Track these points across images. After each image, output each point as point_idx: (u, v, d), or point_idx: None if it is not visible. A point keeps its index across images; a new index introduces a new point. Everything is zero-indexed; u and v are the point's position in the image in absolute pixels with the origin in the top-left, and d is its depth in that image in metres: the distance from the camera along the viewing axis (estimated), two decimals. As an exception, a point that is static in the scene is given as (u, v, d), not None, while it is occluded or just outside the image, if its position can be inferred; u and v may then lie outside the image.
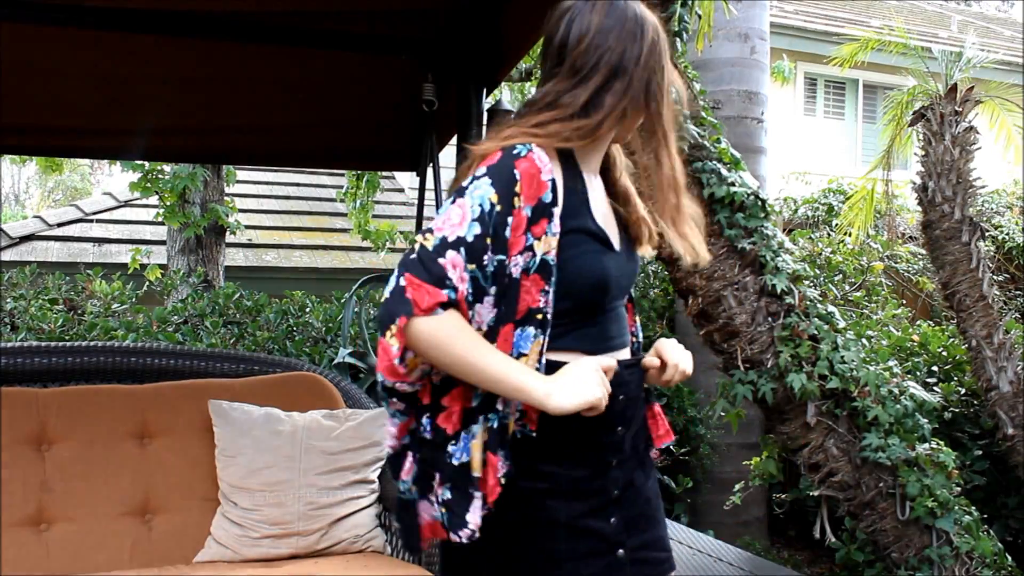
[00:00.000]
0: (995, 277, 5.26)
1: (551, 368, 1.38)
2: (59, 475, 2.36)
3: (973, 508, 3.35)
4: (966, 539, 3.19)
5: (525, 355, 1.35)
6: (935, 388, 4.35)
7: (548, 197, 1.35)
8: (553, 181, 1.37)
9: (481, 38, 2.79)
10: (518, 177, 1.33)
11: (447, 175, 3.00)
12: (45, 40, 2.61)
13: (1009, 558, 3.34)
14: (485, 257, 1.30)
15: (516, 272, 1.34)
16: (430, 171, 3.10)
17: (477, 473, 1.32)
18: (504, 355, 1.33)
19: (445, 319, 1.26)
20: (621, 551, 1.44)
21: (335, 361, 3.83)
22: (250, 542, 2.35)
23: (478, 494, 1.33)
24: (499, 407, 1.34)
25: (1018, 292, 6.03)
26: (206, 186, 5.53)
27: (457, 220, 1.29)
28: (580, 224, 1.40)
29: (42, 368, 2.52)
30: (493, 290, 1.32)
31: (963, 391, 4.37)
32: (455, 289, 1.26)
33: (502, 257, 1.32)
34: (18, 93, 2.78)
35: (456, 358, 1.27)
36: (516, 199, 1.32)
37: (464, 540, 1.32)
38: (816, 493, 3.42)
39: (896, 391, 3.35)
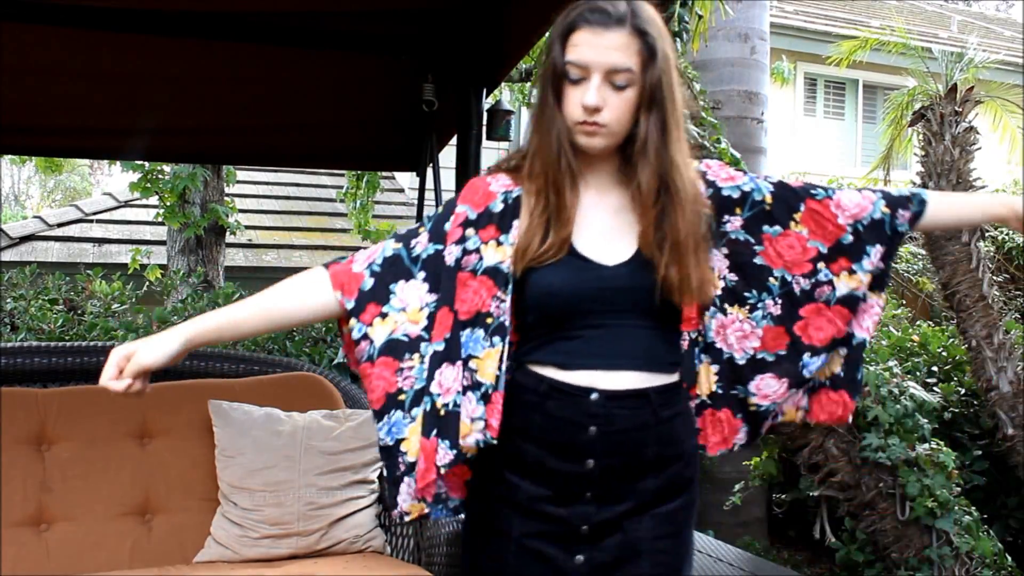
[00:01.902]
0: (995, 277, 5.26)
1: (528, 379, 1.39)
2: (59, 475, 2.36)
3: (973, 508, 3.35)
4: (966, 539, 3.20)
5: (477, 358, 1.36)
6: (935, 388, 4.34)
7: (497, 207, 1.41)
8: (508, 195, 1.42)
9: (481, 38, 2.78)
10: (464, 190, 1.46)
11: (447, 175, 3.02)
12: (45, 40, 2.60)
13: (1009, 558, 3.34)
14: (413, 241, 1.43)
15: (450, 260, 1.40)
16: (430, 171, 3.10)
17: (412, 458, 1.38)
18: (266, 293, 1.43)
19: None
20: None
21: (335, 361, 3.83)
22: (250, 542, 2.35)
23: (406, 478, 1.39)
24: (432, 390, 1.37)
25: (1018, 292, 6.03)
26: (206, 186, 5.52)
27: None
28: None
29: (42, 368, 2.52)
30: (421, 275, 1.42)
31: (963, 391, 4.37)
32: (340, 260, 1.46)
33: (439, 247, 1.42)
34: (18, 93, 2.78)
35: None
36: (458, 205, 1.43)
37: (397, 519, 1.44)
38: (816, 493, 3.43)
39: (896, 391, 3.35)
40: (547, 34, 1.39)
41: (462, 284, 1.39)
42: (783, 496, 4.39)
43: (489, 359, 1.35)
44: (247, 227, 6.70)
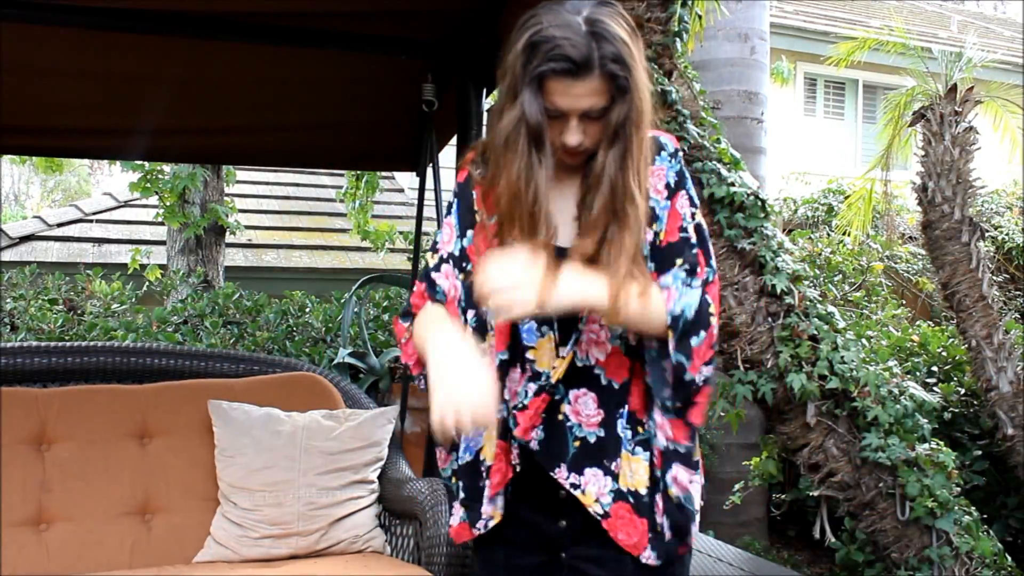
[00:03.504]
0: (995, 277, 5.27)
1: None
2: (59, 475, 2.36)
3: (973, 508, 3.35)
4: (966, 539, 3.19)
5: (533, 348, 1.40)
6: (935, 388, 4.34)
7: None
8: None
9: (481, 38, 2.79)
10: (474, 197, 1.46)
11: (447, 175, 3.01)
12: (45, 40, 2.61)
13: (1009, 558, 3.34)
14: (468, 266, 1.45)
15: None
16: (430, 171, 3.10)
17: (489, 462, 1.41)
18: (440, 330, 1.35)
19: (422, 312, 1.46)
20: (563, 554, 1.45)
21: (335, 361, 3.83)
22: (250, 542, 2.35)
23: (486, 485, 1.42)
24: (506, 397, 1.40)
25: (1018, 292, 6.03)
26: (206, 186, 5.53)
27: (447, 239, 1.48)
28: None
29: (42, 368, 2.52)
30: None
31: (963, 391, 4.37)
32: (445, 296, 1.46)
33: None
34: (18, 93, 2.78)
35: (420, 340, 1.41)
36: (476, 215, 1.45)
37: (482, 530, 1.43)
38: (816, 493, 3.42)
39: (896, 391, 3.35)
40: (514, 42, 1.31)
41: None
42: (783, 496, 4.39)
43: (544, 347, 1.39)
44: (247, 227, 6.70)
